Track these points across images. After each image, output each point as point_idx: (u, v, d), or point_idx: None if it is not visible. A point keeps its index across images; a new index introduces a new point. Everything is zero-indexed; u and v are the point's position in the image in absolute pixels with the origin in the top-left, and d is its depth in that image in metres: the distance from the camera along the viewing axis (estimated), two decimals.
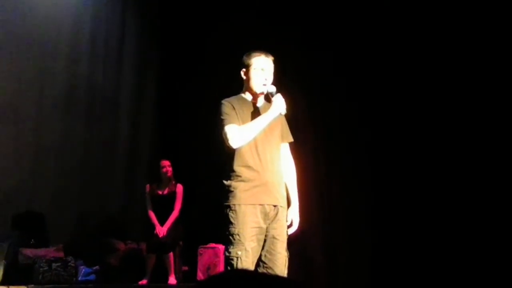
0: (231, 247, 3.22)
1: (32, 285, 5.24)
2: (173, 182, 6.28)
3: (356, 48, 5.50)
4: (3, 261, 5.49)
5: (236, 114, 3.36)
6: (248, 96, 3.51)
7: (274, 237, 3.32)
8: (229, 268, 3.22)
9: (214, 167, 3.61)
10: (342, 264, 5.49)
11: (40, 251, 5.84)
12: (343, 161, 5.63)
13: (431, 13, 4.95)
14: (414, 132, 5.01)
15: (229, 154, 3.34)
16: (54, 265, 5.61)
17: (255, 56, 3.47)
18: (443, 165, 4.80)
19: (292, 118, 3.72)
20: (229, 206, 3.27)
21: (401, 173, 5.06)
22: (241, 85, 3.55)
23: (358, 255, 5.37)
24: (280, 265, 3.32)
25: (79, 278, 5.84)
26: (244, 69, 3.50)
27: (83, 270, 5.91)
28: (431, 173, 4.86)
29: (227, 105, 3.38)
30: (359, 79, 5.47)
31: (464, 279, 4.46)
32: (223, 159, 3.40)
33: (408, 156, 5.05)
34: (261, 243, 3.30)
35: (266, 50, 3.53)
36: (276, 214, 3.34)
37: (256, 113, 3.43)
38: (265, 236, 3.31)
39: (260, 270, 3.29)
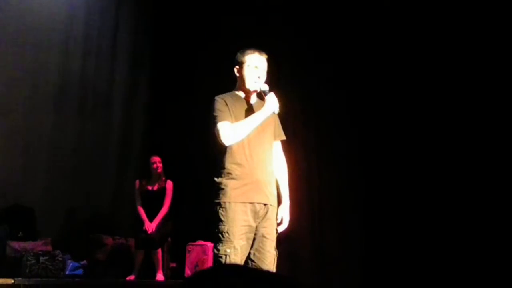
0: (220, 244, 3.21)
1: (19, 278, 5.20)
2: (163, 178, 6.25)
3: (349, 48, 5.50)
4: None
5: (229, 110, 3.33)
6: (241, 93, 3.48)
7: (263, 236, 3.31)
8: None
9: (204, 164, 3.59)
10: (332, 263, 5.49)
11: (28, 245, 5.80)
12: (334, 159, 5.63)
13: (423, 14, 4.97)
14: (406, 132, 5.04)
15: (220, 151, 3.32)
16: (41, 258, 5.57)
17: (249, 54, 3.44)
18: (435, 166, 4.82)
19: (284, 116, 3.71)
20: (219, 204, 3.26)
21: (393, 172, 5.08)
22: (234, 83, 3.53)
23: (348, 254, 5.38)
24: (269, 264, 3.31)
25: (67, 272, 5.81)
26: (237, 66, 3.47)
27: (71, 264, 5.88)
28: (423, 173, 4.88)
29: (220, 102, 3.36)
30: (352, 79, 5.48)
31: (457, 279, 4.47)
32: (214, 156, 3.38)
33: (400, 156, 5.07)
34: (250, 242, 3.29)
35: (260, 48, 3.51)
36: (266, 212, 3.33)
37: (249, 110, 3.41)
38: (255, 234, 3.30)
39: None
